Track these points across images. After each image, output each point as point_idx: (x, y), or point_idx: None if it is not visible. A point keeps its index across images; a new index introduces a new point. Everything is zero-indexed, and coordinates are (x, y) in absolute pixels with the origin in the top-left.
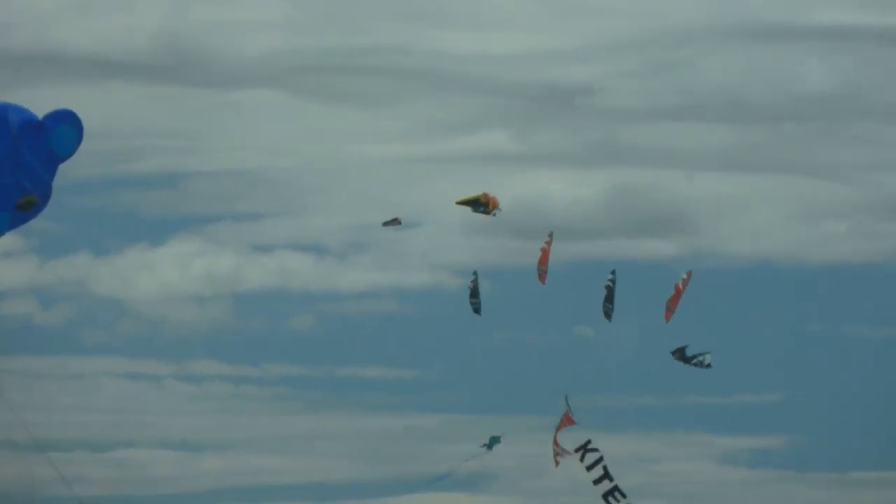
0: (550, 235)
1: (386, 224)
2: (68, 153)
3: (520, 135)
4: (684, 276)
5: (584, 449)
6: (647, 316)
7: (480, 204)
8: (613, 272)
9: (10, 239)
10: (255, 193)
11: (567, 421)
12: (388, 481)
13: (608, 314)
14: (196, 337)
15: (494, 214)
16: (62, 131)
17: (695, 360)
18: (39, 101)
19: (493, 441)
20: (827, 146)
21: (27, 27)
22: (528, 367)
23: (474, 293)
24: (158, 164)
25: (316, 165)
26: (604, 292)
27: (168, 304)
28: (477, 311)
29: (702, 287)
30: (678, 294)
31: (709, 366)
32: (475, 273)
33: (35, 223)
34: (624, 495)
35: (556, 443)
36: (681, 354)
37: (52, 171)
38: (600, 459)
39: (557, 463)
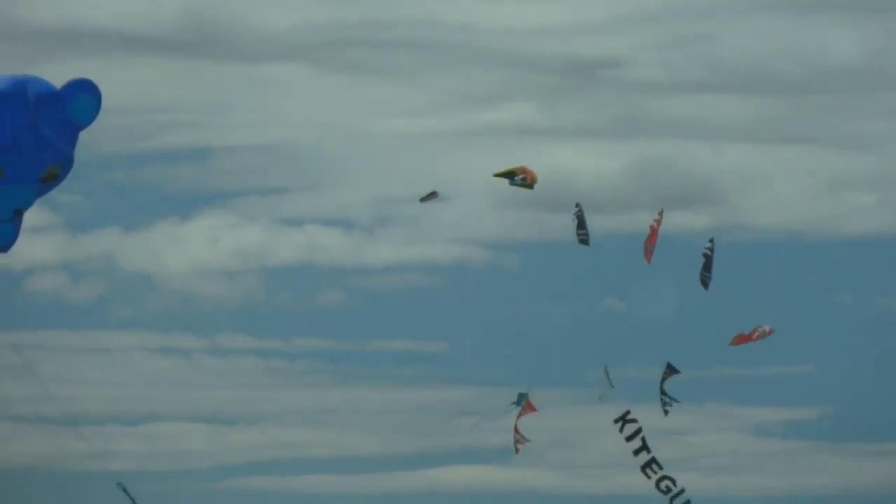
0: (660, 213)
1: (423, 199)
2: (87, 122)
3: (545, 108)
4: (766, 329)
5: (624, 420)
6: (676, 288)
7: (517, 176)
8: (712, 240)
9: (40, 214)
10: (282, 167)
11: (529, 408)
12: (418, 454)
13: (705, 283)
14: (225, 311)
15: (531, 188)
16: (80, 101)
17: (664, 395)
18: (64, 77)
19: (521, 398)
20: (854, 117)
21: (51, 2)
22: (558, 340)
23: (581, 224)
24: (185, 138)
25: (342, 139)
26: (701, 260)
27: (197, 279)
28: (584, 241)
29: (730, 259)
30: (748, 338)
31: (666, 412)
32: (578, 205)
33: (63, 198)
34: (661, 467)
35: (516, 430)
36: (667, 374)
37: (72, 141)
38: (639, 431)
39: (518, 450)
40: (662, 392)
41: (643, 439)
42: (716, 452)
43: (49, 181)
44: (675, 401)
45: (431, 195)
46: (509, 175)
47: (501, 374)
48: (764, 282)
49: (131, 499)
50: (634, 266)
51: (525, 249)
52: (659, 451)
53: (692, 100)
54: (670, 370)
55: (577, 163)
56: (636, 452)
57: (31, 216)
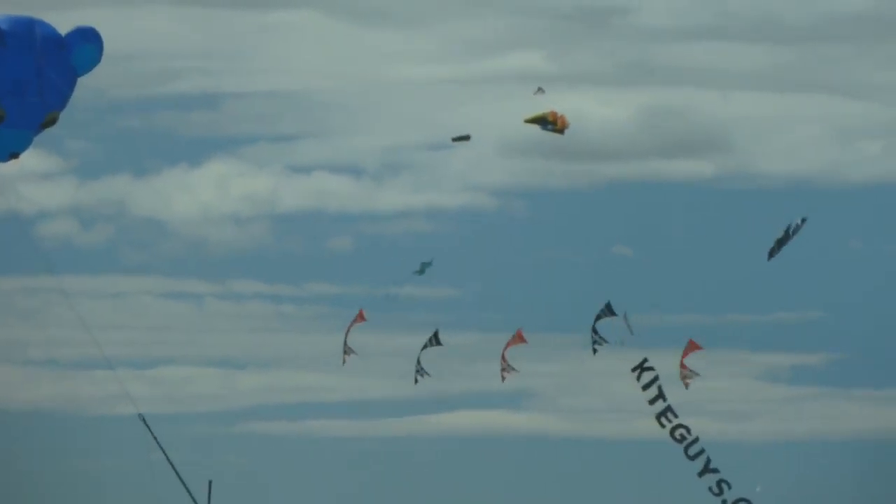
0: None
1: (456, 139)
2: (88, 70)
3: (554, 55)
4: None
5: (641, 368)
6: (684, 234)
7: (549, 122)
8: (804, 220)
9: (49, 160)
10: (292, 114)
11: (360, 318)
12: (428, 399)
13: (771, 253)
14: (235, 257)
15: (563, 133)
16: (84, 50)
17: (595, 333)
18: (73, 25)
19: (425, 266)
20: (863, 65)
21: None
22: (567, 286)
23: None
24: (196, 85)
25: (352, 86)
26: (779, 234)
27: (207, 225)
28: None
29: (739, 207)
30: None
31: (595, 351)
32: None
33: (73, 144)
34: (676, 415)
35: (345, 342)
36: (603, 314)
37: (72, 88)
38: (656, 379)
39: (345, 361)
40: (594, 331)
41: (659, 387)
42: (724, 398)
43: (48, 127)
44: (605, 341)
45: (464, 137)
46: (541, 121)
47: (510, 321)
48: (772, 229)
49: (151, 432)
50: (643, 214)
51: (533, 197)
52: (667, 396)
53: (701, 47)
54: (608, 311)
55: (585, 110)
56: (652, 401)
57: (41, 162)
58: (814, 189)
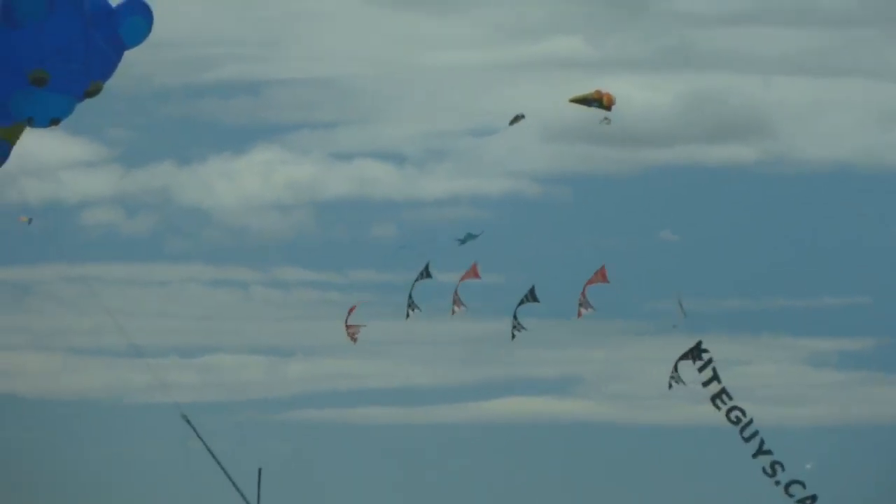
0: None
1: (512, 122)
2: (137, 43)
3: (594, 40)
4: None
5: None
6: (729, 219)
7: (594, 100)
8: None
9: (94, 148)
10: (333, 101)
11: (351, 312)
12: (474, 386)
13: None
14: (279, 245)
15: (609, 109)
16: (134, 21)
17: (515, 319)
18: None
19: (469, 236)
20: None
21: None
22: (612, 272)
23: None
24: (237, 72)
25: (393, 73)
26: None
27: (250, 213)
28: None
29: (782, 192)
30: None
31: (513, 336)
32: None
33: (117, 132)
34: (730, 398)
35: (347, 323)
36: (526, 299)
37: (119, 58)
38: (710, 361)
39: (356, 342)
40: (514, 317)
41: (714, 370)
42: (771, 383)
43: (91, 96)
44: (524, 328)
45: (518, 118)
46: (587, 101)
47: (554, 307)
48: (816, 214)
49: (194, 429)
50: (687, 199)
51: (577, 182)
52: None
53: (742, 31)
54: (531, 297)
55: (626, 95)
56: (706, 384)
57: (84, 150)
58: (856, 173)
